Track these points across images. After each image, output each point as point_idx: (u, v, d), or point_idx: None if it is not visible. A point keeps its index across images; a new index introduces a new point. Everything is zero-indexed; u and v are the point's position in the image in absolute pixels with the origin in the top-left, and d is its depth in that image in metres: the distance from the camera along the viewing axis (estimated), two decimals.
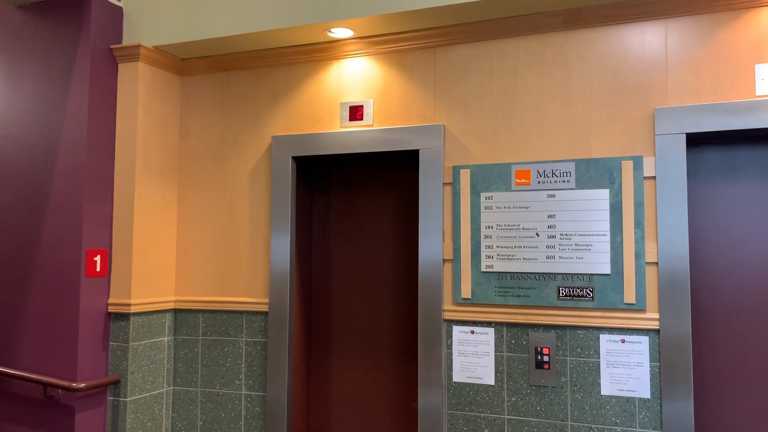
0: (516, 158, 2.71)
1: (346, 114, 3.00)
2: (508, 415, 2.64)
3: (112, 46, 3.12)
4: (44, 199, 3.05)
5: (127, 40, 3.17)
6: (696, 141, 2.57)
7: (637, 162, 2.51)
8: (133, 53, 3.10)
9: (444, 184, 2.81)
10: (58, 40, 3.07)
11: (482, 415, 2.68)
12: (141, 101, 3.12)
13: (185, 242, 3.29)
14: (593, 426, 2.52)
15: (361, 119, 2.97)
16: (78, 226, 2.95)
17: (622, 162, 2.53)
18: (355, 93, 3.01)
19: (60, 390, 2.92)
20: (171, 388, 3.23)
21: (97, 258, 3.00)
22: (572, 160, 2.61)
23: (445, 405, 2.74)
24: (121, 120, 3.13)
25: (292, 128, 3.12)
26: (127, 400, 2.99)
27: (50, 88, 3.07)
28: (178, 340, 3.25)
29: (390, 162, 3.13)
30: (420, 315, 2.78)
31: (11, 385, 3.08)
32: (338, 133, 2.99)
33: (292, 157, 3.09)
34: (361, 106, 2.97)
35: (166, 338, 3.21)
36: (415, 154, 2.95)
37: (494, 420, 2.66)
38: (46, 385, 2.89)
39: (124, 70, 3.14)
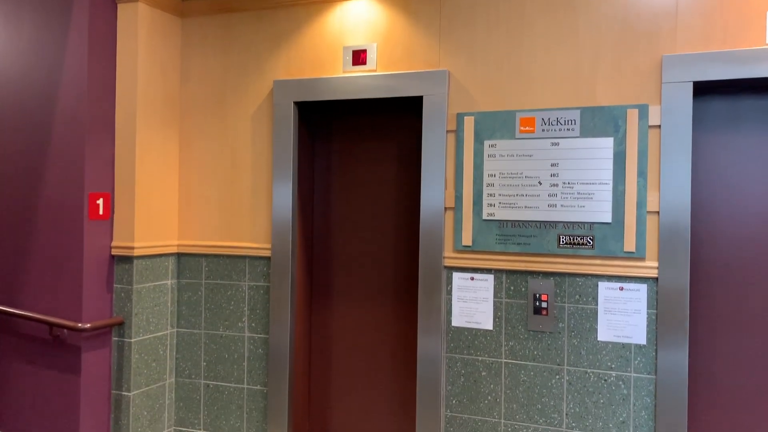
0: (521, 105, 2.69)
1: (349, 58, 2.96)
2: (506, 358, 2.70)
3: None
4: (45, 142, 3.04)
5: None
6: (703, 90, 2.54)
7: (643, 110, 2.49)
8: None
9: (447, 131, 2.80)
10: None
11: (480, 358, 2.73)
12: (141, 43, 3.07)
13: (187, 187, 3.29)
14: (589, 370, 2.57)
15: (365, 64, 2.93)
16: (80, 169, 2.95)
17: (628, 110, 2.51)
18: (358, 37, 2.96)
19: (66, 330, 2.97)
20: (175, 329, 3.29)
21: (100, 201, 3.01)
22: (577, 108, 2.59)
23: (444, 348, 2.79)
24: (121, 62, 3.08)
25: (294, 72, 3.08)
26: (132, 340, 3.05)
27: (49, 30, 3.02)
28: (181, 284, 3.29)
29: (393, 108, 3.11)
30: (421, 261, 2.81)
31: (18, 325, 3.13)
32: (341, 78, 2.95)
33: (294, 103, 3.06)
34: (365, 51, 2.93)
35: (169, 281, 3.25)
36: (418, 100, 2.92)
37: (492, 363, 2.72)
38: (52, 325, 2.94)
39: (123, 11, 3.08)
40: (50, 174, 3.03)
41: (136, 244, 3.04)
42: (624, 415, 2.52)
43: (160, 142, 3.20)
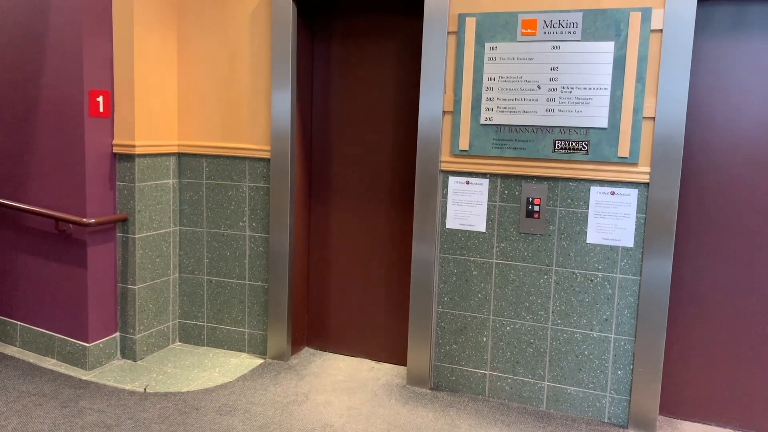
0: (523, 7, 2.64)
1: None
2: (497, 259, 2.79)
3: None
4: (43, 40, 3.01)
5: None
6: None
7: (646, 13, 2.46)
8: None
9: (448, 33, 2.76)
10: None
11: (472, 258, 2.83)
12: None
13: (186, 87, 3.29)
14: (576, 271, 2.67)
15: None
16: (78, 65, 2.93)
17: (630, 13, 2.47)
18: None
19: (71, 225, 3.06)
20: (177, 227, 3.38)
21: (100, 99, 3.02)
22: (580, 11, 2.55)
23: (438, 249, 2.89)
24: None
25: None
26: (136, 236, 3.14)
27: None
28: (183, 183, 3.35)
29: (394, 8, 3.05)
30: (418, 165, 2.85)
31: (25, 220, 3.22)
32: None
33: (293, 1, 3.00)
34: None
35: (171, 180, 3.31)
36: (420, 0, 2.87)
37: (483, 264, 2.82)
38: (57, 219, 3.02)
39: None
40: (50, 72, 3.02)
41: (137, 143, 3.07)
42: (608, 314, 2.64)
43: (159, 41, 3.16)
